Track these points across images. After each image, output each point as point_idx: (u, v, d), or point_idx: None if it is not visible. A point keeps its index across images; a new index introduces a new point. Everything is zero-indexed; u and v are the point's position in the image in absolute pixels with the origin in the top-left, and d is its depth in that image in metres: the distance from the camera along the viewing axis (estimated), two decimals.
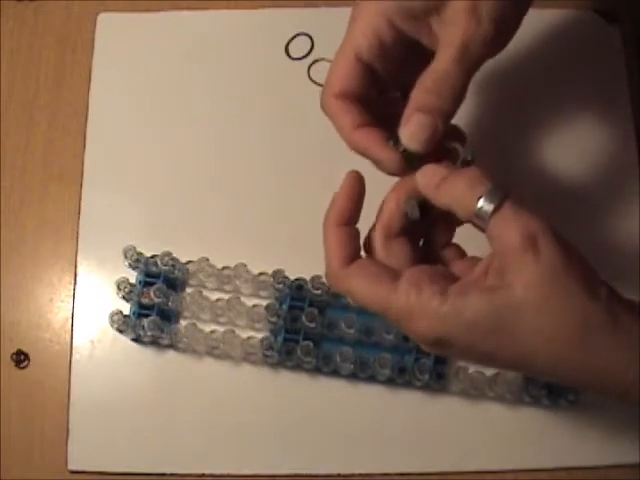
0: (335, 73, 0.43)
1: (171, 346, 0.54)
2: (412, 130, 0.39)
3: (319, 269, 0.53)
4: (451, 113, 0.40)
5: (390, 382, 0.53)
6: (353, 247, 0.40)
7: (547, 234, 0.36)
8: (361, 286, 0.38)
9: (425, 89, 0.40)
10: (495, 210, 0.37)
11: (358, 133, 0.42)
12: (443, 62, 0.40)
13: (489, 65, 0.59)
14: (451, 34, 0.40)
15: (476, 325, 0.36)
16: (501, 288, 0.36)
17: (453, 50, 0.39)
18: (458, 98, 0.40)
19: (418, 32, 0.41)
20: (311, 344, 0.52)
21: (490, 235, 0.37)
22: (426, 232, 0.42)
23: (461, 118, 0.51)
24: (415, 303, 0.37)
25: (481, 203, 0.37)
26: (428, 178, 0.40)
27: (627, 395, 0.36)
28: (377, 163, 0.42)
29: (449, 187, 0.39)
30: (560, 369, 0.36)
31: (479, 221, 0.37)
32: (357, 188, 0.41)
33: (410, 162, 0.40)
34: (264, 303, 0.53)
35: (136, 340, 0.55)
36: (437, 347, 0.38)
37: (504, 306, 0.36)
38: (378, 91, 0.44)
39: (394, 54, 0.42)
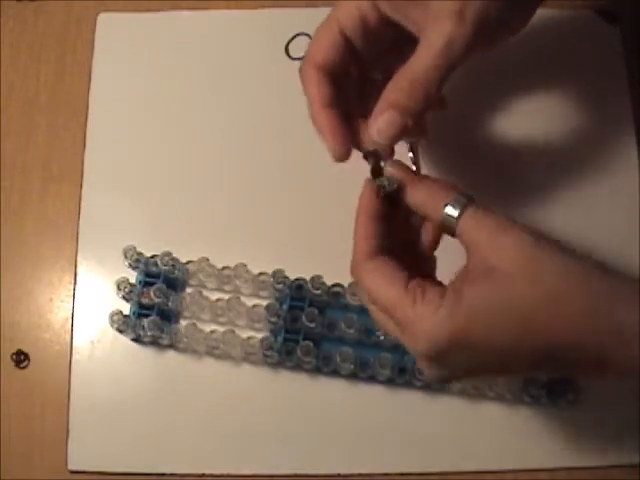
0: (317, 44, 0.44)
1: (171, 346, 0.54)
2: (381, 126, 0.41)
3: (319, 269, 0.53)
4: (422, 112, 0.41)
5: (390, 382, 0.53)
6: (378, 241, 0.40)
7: (514, 222, 0.38)
8: (376, 282, 0.39)
9: (399, 87, 0.41)
10: (462, 213, 0.38)
11: (323, 112, 0.43)
12: (422, 62, 0.40)
13: (489, 65, 0.59)
14: (434, 34, 0.40)
15: (476, 312, 0.36)
16: (486, 271, 0.37)
17: (433, 52, 0.40)
18: (430, 99, 0.41)
19: (401, 17, 0.42)
20: (311, 344, 0.52)
21: (461, 234, 0.38)
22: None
23: (461, 118, 0.52)
24: (418, 309, 0.37)
25: (448, 207, 0.39)
26: (402, 173, 0.41)
27: (628, 353, 0.36)
28: (327, 146, 0.43)
29: (422, 191, 0.40)
30: (562, 331, 0.36)
31: (447, 224, 0.39)
32: None
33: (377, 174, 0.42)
34: (264, 303, 0.53)
35: (136, 340, 0.55)
36: (436, 358, 0.38)
37: (495, 285, 0.36)
38: (359, 70, 0.44)
39: (377, 36, 0.43)
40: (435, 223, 0.40)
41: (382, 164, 0.42)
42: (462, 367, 0.39)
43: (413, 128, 0.43)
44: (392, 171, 0.41)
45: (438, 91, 0.41)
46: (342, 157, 0.43)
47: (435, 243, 0.42)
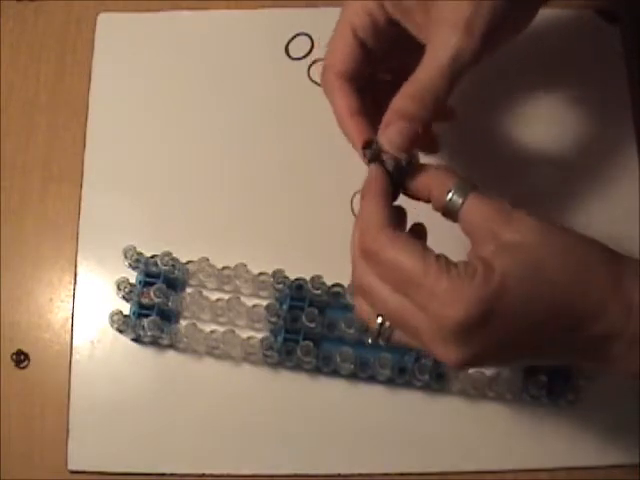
0: (335, 51, 0.44)
1: (171, 346, 0.54)
2: (391, 136, 0.41)
3: (319, 269, 0.53)
4: (430, 120, 0.42)
5: (390, 382, 0.53)
6: (391, 214, 0.40)
7: (515, 207, 0.38)
8: (405, 255, 0.37)
9: (407, 97, 0.41)
10: (465, 199, 0.39)
11: (352, 122, 0.43)
12: (429, 73, 0.41)
13: (489, 65, 0.59)
14: (442, 45, 0.40)
15: (510, 276, 0.36)
16: (505, 244, 0.37)
17: (441, 63, 0.40)
18: (439, 107, 0.41)
19: (405, 20, 0.43)
20: (311, 344, 0.52)
21: (465, 218, 0.39)
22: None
23: (460, 118, 0.52)
24: (447, 280, 0.36)
25: (451, 193, 0.39)
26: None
27: (633, 329, 0.36)
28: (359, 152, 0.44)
29: (423, 178, 0.41)
30: (586, 298, 0.36)
31: (449, 209, 0.39)
32: None
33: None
34: (264, 303, 0.53)
35: (136, 340, 0.55)
36: (465, 335, 0.36)
37: (522, 253, 0.37)
38: (370, 71, 0.44)
39: (386, 35, 0.44)
40: (437, 209, 0.40)
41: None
42: (493, 343, 0.37)
43: (425, 144, 0.44)
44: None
45: (446, 99, 0.41)
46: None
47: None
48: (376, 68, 0.46)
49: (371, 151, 0.42)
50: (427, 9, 0.41)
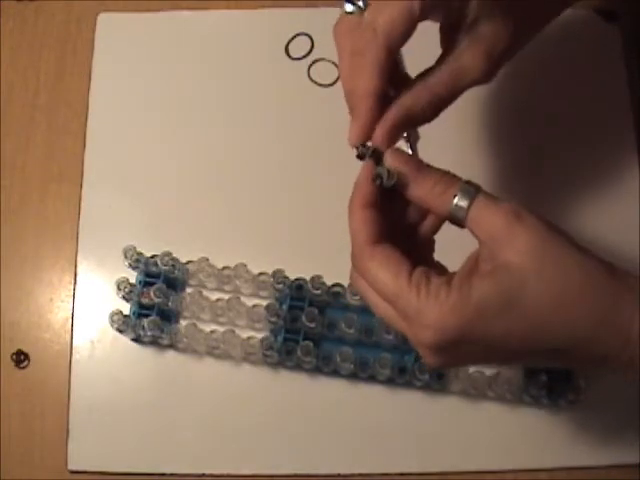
0: (368, 73, 0.41)
1: (171, 346, 0.54)
2: (385, 130, 0.40)
3: (319, 269, 0.53)
4: (425, 122, 0.42)
5: (390, 382, 0.53)
6: (378, 228, 0.40)
7: (524, 210, 0.37)
8: (381, 271, 0.38)
9: (416, 97, 0.41)
10: (471, 203, 0.38)
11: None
12: (443, 83, 0.41)
13: None
14: (460, 64, 0.40)
15: (483, 309, 0.36)
16: (498, 267, 0.36)
17: (456, 80, 0.40)
18: (438, 113, 0.41)
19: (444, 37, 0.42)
20: (311, 344, 0.52)
21: (472, 226, 0.38)
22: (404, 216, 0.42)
23: (460, 118, 0.52)
24: (424, 298, 0.37)
25: (456, 199, 0.38)
26: (402, 166, 0.40)
27: (630, 353, 0.36)
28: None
29: (423, 187, 0.40)
30: (571, 332, 0.36)
31: (455, 216, 0.38)
32: None
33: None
34: (264, 303, 0.53)
35: (136, 340, 0.55)
36: (441, 349, 0.37)
37: (507, 281, 0.36)
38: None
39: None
40: (441, 216, 0.40)
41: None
42: (465, 358, 0.39)
43: None
44: (392, 162, 0.40)
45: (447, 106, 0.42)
46: None
47: (437, 228, 0.42)
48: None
49: (365, 151, 0.41)
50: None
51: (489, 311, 0.36)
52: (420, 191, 0.40)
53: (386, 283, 0.38)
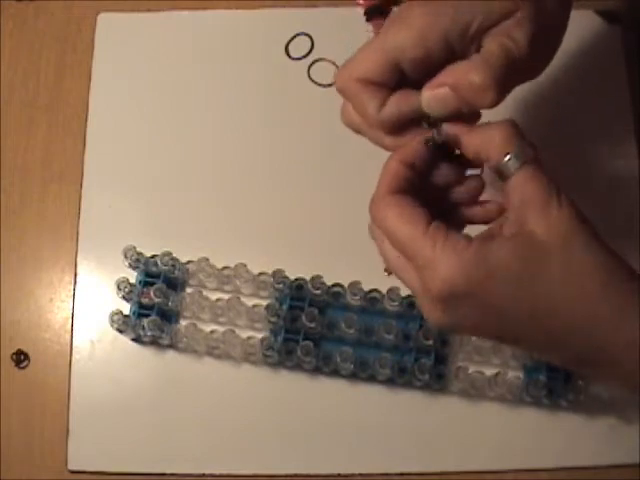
0: (364, 61, 0.41)
1: (171, 346, 0.54)
2: (433, 99, 0.40)
3: (319, 269, 0.53)
4: (475, 110, 0.41)
5: (390, 382, 0.53)
6: (404, 182, 0.39)
7: (565, 194, 0.38)
8: (396, 218, 0.38)
9: (472, 69, 0.39)
10: (520, 167, 0.38)
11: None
12: (498, 62, 0.39)
13: None
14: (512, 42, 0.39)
15: (498, 270, 0.36)
16: (523, 233, 0.36)
17: (499, 57, 0.39)
18: (494, 100, 0.40)
19: (469, 48, 0.41)
20: (311, 344, 0.52)
21: (512, 186, 0.38)
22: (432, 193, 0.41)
23: None
24: (440, 249, 0.36)
25: (508, 157, 0.38)
26: (458, 126, 0.40)
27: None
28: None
29: (482, 134, 0.39)
30: (576, 327, 0.36)
31: (502, 172, 0.38)
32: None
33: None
34: (264, 303, 0.53)
35: (136, 340, 0.55)
36: (449, 302, 0.37)
37: (528, 250, 0.36)
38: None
39: (433, 64, 0.41)
40: (488, 164, 0.39)
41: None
42: (471, 320, 0.38)
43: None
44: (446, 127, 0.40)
45: (497, 100, 0.40)
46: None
47: (473, 194, 0.41)
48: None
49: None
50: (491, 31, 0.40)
51: (503, 274, 0.36)
52: (475, 140, 0.39)
53: (401, 230, 0.37)
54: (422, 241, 0.37)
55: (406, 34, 0.40)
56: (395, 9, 0.42)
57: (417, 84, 0.41)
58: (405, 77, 0.41)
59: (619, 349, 0.36)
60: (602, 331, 0.36)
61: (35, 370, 0.55)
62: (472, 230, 0.39)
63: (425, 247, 0.37)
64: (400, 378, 0.52)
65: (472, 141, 0.39)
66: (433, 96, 0.40)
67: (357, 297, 0.52)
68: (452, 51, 0.41)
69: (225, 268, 0.54)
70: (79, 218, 0.57)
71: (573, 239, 0.37)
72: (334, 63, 0.59)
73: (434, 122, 0.40)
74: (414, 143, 0.40)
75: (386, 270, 0.43)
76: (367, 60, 0.41)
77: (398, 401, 0.53)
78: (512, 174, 0.38)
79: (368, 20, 0.41)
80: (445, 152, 0.40)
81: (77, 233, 0.57)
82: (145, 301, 0.54)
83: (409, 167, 0.39)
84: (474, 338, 0.52)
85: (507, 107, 0.59)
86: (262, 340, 0.53)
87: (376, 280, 0.52)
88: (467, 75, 0.39)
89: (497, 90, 0.40)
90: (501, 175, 0.38)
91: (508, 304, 0.36)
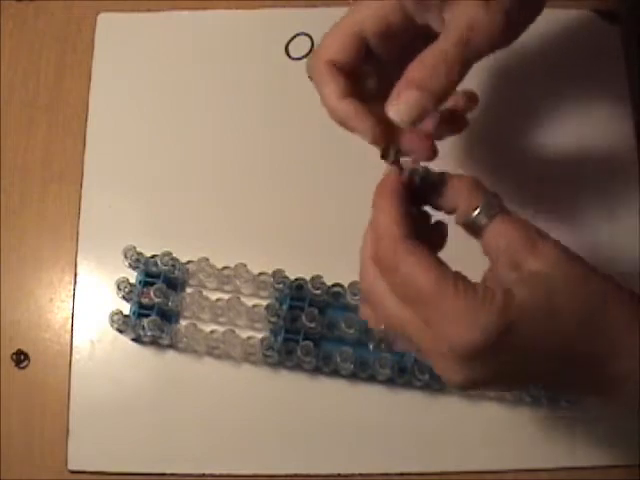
0: (330, 42, 0.42)
1: (171, 346, 0.54)
2: (401, 106, 0.39)
3: (319, 269, 0.53)
4: (442, 97, 0.40)
5: (390, 382, 0.53)
6: (412, 223, 0.37)
7: (542, 231, 0.37)
8: (421, 269, 0.36)
9: (422, 67, 0.39)
10: (494, 216, 0.37)
11: (343, 102, 0.41)
12: (445, 44, 0.39)
13: (488, 65, 0.59)
14: (459, 18, 0.39)
15: (527, 309, 0.35)
16: (528, 275, 0.36)
17: (458, 34, 0.39)
18: (452, 83, 0.40)
19: (428, 17, 0.41)
20: (311, 344, 0.52)
21: (493, 233, 0.38)
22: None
23: None
24: (471, 299, 0.35)
25: (478, 211, 0.38)
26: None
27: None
28: (356, 133, 0.42)
29: (446, 192, 0.39)
30: (590, 344, 0.36)
31: (473, 224, 0.38)
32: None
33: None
34: (264, 303, 0.53)
35: (136, 340, 0.55)
36: (477, 357, 0.35)
37: (541, 287, 0.35)
38: (376, 68, 0.44)
39: (399, 38, 0.42)
40: (460, 222, 0.39)
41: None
42: (497, 373, 0.36)
43: (450, 127, 0.43)
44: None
45: (460, 76, 0.40)
46: (379, 138, 0.41)
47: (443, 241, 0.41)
48: (384, 66, 0.44)
49: (390, 157, 0.40)
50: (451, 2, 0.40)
51: (530, 313, 0.35)
52: (444, 195, 0.39)
53: (428, 281, 0.35)
54: (453, 293, 0.35)
55: (366, 9, 0.41)
56: None
57: (390, 67, 0.42)
58: (377, 59, 0.42)
59: (621, 375, 0.36)
60: (609, 347, 0.36)
61: (35, 370, 0.55)
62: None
63: (456, 299, 0.35)
64: (400, 378, 0.52)
65: (440, 196, 0.39)
66: (397, 107, 0.39)
67: (357, 297, 0.52)
68: (412, 21, 0.41)
69: (225, 268, 0.54)
70: (79, 218, 0.57)
71: (568, 266, 0.36)
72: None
73: (396, 159, 0.40)
74: (392, 179, 0.39)
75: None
76: (332, 39, 0.42)
77: (398, 401, 0.53)
78: (486, 226, 0.37)
79: None
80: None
81: (77, 233, 0.57)
82: (145, 301, 0.54)
83: (406, 202, 0.38)
84: None
85: (506, 107, 0.59)
86: (262, 340, 0.53)
87: None
88: (419, 76, 0.39)
89: (454, 75, 0.39)
90: (473, 230, 0.38)
91: (533, 345, 0.35)
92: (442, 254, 0.38)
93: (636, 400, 0.37)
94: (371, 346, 0.51)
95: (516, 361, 0.36)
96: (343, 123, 0.42)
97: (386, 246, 0.37)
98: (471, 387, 0.37)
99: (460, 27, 0.39)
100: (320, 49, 0.43)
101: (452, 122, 0.46)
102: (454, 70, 0.39)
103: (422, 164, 0.40)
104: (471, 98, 0.47)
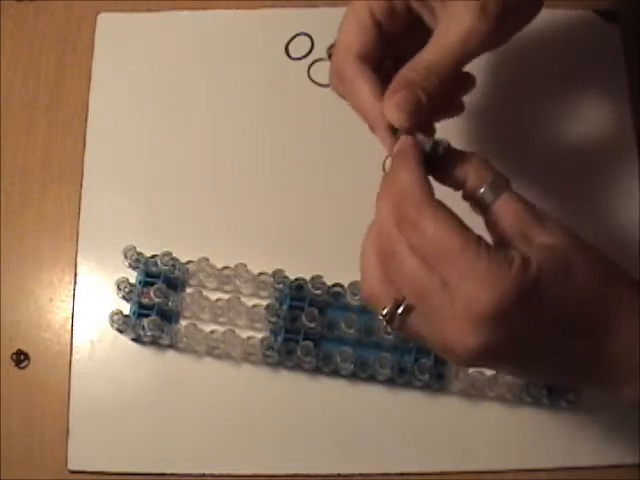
0: (351, 31, 0.42)
1: (171, 346, 0.54)
2: (397, 100, 0.39)
3: (319, 269, 0.53)
4: (436, 93, 0.40)
5: (390, 382, 0.53)
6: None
7: (545, 212, 0.38)
8: (447, 226, 0.35)
9: (415, 69, 0.40)
10: (500, 194, 0.38)
11: (379, 104, 0.41)
12: (437, 50, 0.40)
13: (487, 65, 0.59)
14: (453, 23, 0.40)
15: (546, 271, 0.35)
16: (540, 246, 0.37)
17: (451, 41, 0.40)
18: (445, 83, 0.40)
19: (421, 8, 0.42)
20: (311, 344, 0.52)
21: (498, 212, 0.38)
22: None
23: (458, 118, 0.52)
24: (494, 260, 0.35)
25: (484, 189, 0.38)
26: None
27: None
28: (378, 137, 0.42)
29: (454, 168, 0.39)
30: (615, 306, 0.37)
31: (479, 202, 0.39)
32: None
33: None
34: (264, 303, 0.53)
35: (136, 340, 0.55)
36: (502, 314, 0.35)
37: (555, 255, 0.36)
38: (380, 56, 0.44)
39: (401, 19, 0.42)
40: (467, 198, 0.39)
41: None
42: (513, 338, 0.36)
43: (447, 110, 0.43)
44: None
45: (451, 78, 0.41)
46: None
47: None
48: (385, 53, 0.44)
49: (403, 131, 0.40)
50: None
51: (547, 277, 0.35)
52: (453, 171, 0.39)
53: (453, 239, 0.35)
54: (476, 252, 0.35)
55: None
56: None
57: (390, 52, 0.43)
58: (385, 38, 0.42)
59: (622, 352, 0.37)
60: (604, 335, 0.37)
61: (35, 370, 0.55)
62: None
63: (479, 258, 0.35)
64: (400, 378, 0.52)
65: (448, 171, 0.39)
66: (394, 104, 0.40)
67: (357, 297, 0.52)
68: (411, 8, 0.42)
69: (225, 268, 0.54)
70: (79, 218, 0.57)
71: (575, 242, 0.37)
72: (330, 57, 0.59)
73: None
74: (412, 147, 0.39)
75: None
76: (353, 25, 0.42)
77: (398, 401, 0.53)
78: (492, 202, 0.38)
79: None
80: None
81: (77, 233, 0.57)
82: (145, 301, 0.54)
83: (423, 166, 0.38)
84: None
85: (506, 107, 0.59)
86: (262, 340, 0.53)
87: None
88: (412, 77, 0.40)
89: (446, 76, 0.40)
90: (480, 206, 0.39)
91: (551, 308, 0.36)
92: None
93: (636, 380, 0.37)
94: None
95: (529, 328, 0.36)
96: (373, 125, 0.42)
97: (410, 205, 0.36)
98: (480, 357, 0.36)
99: (453, 35, 0.40)
100: (343, 40, 0.42)
101: (448, 104, 0.46)
102: (446, 74, 0.40)
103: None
104: (468, 80, 0.47)
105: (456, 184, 0.40)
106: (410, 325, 0.37)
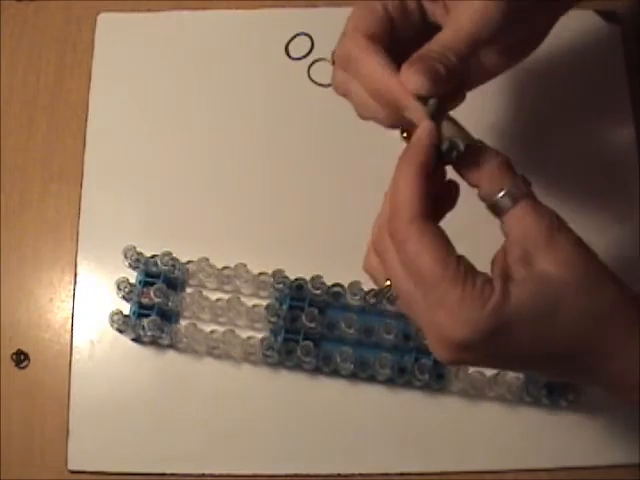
0: (363, 17, 0.41)
1: (171, 346, 0.54)
2: (416, 69, 0.38)
3: (319, 269, 0.53)
4: (454, 70, 0.39)
5: (390, 382, 0.53)
6: (428, 203, 0.37)
7: (565, 224, 0.37)
8: (428, 251, 0.35)
9: (430, 48, 0.39)
10: (516, 202, 0.37)
11: (395, 78, 0.39)
12: (453, 31, 0.39)
13: None
14: (466, 7, 0.39)
15: (524, 313, 0.35)
16: (537, 275, 0.36)
17: (465, 22, 0.39)
18: (462, 63, 0.39)
19: (434, 8, 0.41)
20: (311, 344, 0.52)
21: (511, 221, 0.37)
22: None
23: (459, 116, 0.51)
24: (469, 293, 0.35)
25: (502, 193, 0.37)
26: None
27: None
28: (404, 110, 0.39)
29: (475, 166, 0.38)
30: (597, 344, 0.36)
31: (496, 207, 0.37)
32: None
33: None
34: (264, 303, 0.53)
35: (136, 340, 0.55)
36: (464, 348, 0.35)
37: (547, 292, 0.35)
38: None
39: (412, 21, 0.41)
40: (483, 199, 0.38)
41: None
42: (486, 360, 0.37)
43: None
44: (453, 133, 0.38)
45: (464, 65, 0.39)
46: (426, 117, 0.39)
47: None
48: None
49: (431, 108, 0.38)
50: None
51: (525, 318, 0.35)
52: (472, 169, 0.38)
53: (431, 266, 0.35)
54: (453, 282, 0.35)
55: None
56: None
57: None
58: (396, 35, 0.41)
59: (618, 374, 0.36)
60: (601, 356, 0.36)
61: (35, 370, 0.55)
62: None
63: (455, 288, 0.35)
64: (400, 378, 0.52)
65: (468, 169, 0.38)
66: (413, 73, 0.38)
67: (357, 297, 0.52)
68: (423, 9, 0.41)
69: (225, 268, 0.54)
70: (79, 218, 0.57)
71: (580, 269, 0.36)
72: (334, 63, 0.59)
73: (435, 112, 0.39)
74: (425, 151, 0.37)
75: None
76: (364, 13, 0.41)
77: (398, 401, 0.53)
78: (508, 210, 0.37)
79: None
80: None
81: (77, 233, 0.57)
82: (145, 301, 0.54)
83: (428, 178, 0.37)
84: None
85: (506, 107, 0.59)
86: (262, 340, 0.53)
87: None
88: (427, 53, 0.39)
89: (460, 61, 0.39)
90: (495, 210, 0.37)
91: (526, 346, 0.36)
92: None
93: (636, 396, 0.37)
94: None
95: (507, 355, 0.36)
96: (395, 101, 0.39)
97: (400, 220, 0.36)
98: (456, 364, 0.38)
99: (465, 20, 0.39)
100: (353, 25, 0.41)
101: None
102: (457, 61, 0.39)
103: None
104: (458, 97, 0.46)
105: (471, 184, 0.39)
106: (402, 307, 0.39)
